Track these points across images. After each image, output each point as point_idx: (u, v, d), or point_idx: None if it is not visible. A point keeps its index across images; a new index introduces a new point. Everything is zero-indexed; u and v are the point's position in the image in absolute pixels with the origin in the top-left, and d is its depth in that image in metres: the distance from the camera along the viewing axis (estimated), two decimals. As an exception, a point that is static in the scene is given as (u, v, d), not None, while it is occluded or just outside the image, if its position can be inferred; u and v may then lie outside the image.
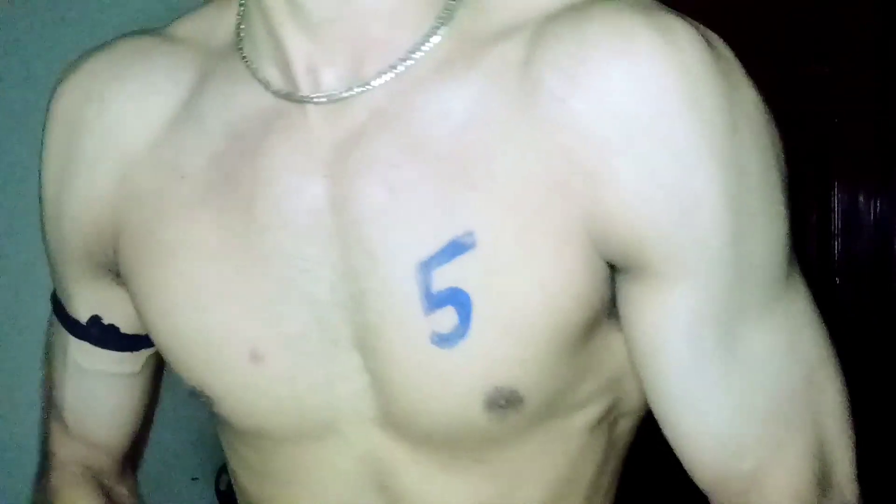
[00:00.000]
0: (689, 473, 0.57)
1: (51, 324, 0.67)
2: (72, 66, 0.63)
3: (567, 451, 0.59)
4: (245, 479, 0.64)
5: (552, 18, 0.52)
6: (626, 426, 0.61)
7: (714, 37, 0.52)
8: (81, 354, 0.65)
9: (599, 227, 0.52)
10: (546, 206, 0.52)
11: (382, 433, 0.57)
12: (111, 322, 0.64)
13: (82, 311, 0.64)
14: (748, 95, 0.52)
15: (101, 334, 0.64)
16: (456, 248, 0.53)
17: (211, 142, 0.57)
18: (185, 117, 0.58)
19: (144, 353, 0.66)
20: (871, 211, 1.43)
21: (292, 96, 0.55)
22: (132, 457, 0.72)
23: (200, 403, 0.68)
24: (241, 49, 0.57)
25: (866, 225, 1.42)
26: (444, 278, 0.53)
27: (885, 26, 1.38)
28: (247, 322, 0.56)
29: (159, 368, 0.68)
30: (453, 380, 0.54)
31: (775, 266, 0.53)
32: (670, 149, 0.50)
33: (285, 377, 0.56)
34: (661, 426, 0.56)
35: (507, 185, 0.52)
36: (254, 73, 0.56)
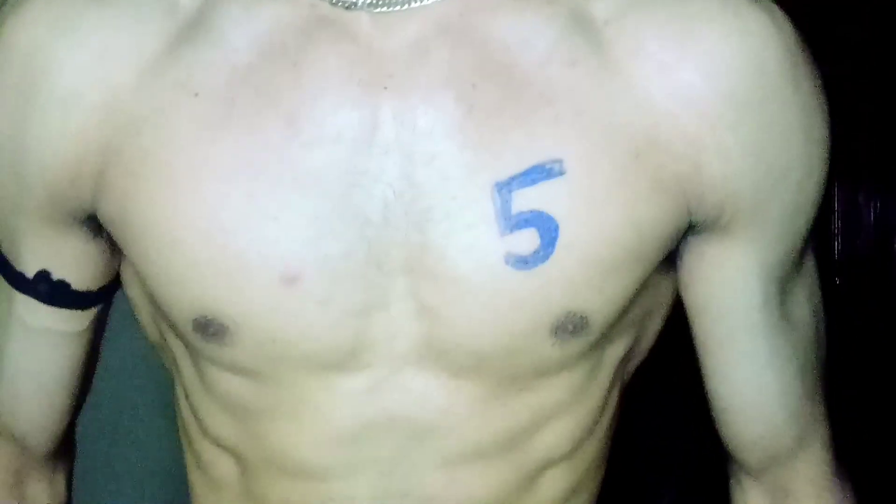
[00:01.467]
0: (733, 449, 0.61)
1: None
2: None
3: (599, 388, 0.60)
4: (225, 424, 0.60)
5: None
6: (629, 371, 0.64)
7: None
8: (26, 311, 0.61)
9: (696, 188, 0.54)
10: (643, 154, 0.53)
11: (416, 366, 0.55)
12: (60, 277, 0.60)
13: (30, 266, 0.60)
14: (816, 72, 0.56)
15: (50, 290, 0.60)
16: (541, 173, 0.52)
17: (233, 56, 0.54)
18: (192, 35, 0.54)
19: (93, 311, 0.63)
20: (871, 211, 1.43)
21: (342, 2, 0.53)
22: (65, 465, 0.70)
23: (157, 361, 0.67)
24: None
25: (866, 225, 1.42)
26: (526, 200, 0.53)
27: (884, 26, 1.38)
28: (282, 242, 0.53)
29: (101, 327, 0.65)
30: (525, 302, 0.54)
31: (811, 231, 0.58)
32: (775, 126, 0.54)
33: (319, 301, 0.54)
34: (713, 393, 0.60)
35: (597, 124, 0.53)
36: None
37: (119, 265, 0.62)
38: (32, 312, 0.61)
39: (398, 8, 0.52)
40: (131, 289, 0.63)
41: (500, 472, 0.59)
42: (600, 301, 0.55)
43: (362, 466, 0.58)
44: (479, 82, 0.53)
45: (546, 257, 0.53)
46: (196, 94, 0.53)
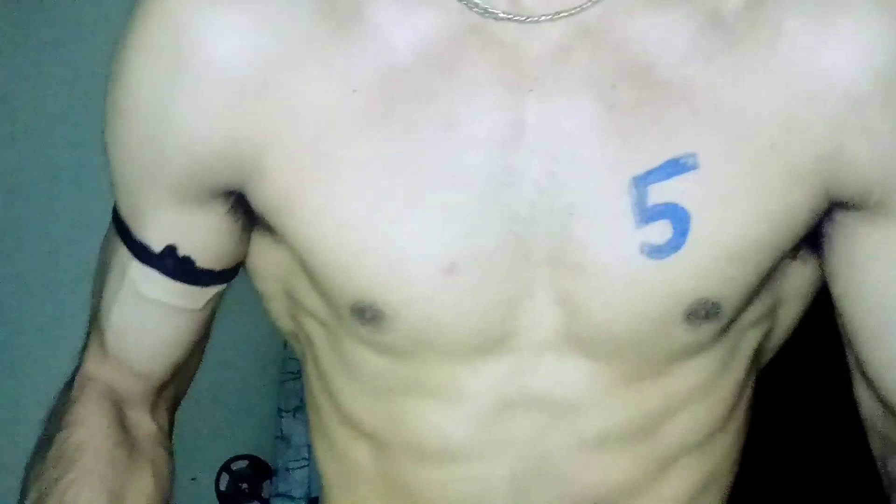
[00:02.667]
0: (892, 404, 0.61)
1: (108, 240, 0.63)
2: None
3: (732, 378, 0.61)
4: (365, 404, 0.62)
5: None
6: (762, 363, 0.65)
7: None
8: (144, 280, 0.61)
9: (839, 170, 0.54)
10: (779, 144, 0.54)
11: (556, 349, 0.57)
12: (187, 254, 0.60)
13: (156, 238, 0.60)
14: None
15: (176, 265, 0.60)
16: (675, 167, 0.54)
17: (390, 56, 0.55)
18: (348, 27, 0.55)
19: (211, 290, 0.62)
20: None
21: (490, 13, 0.54)
22: (171, 394, 0.68)
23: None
24: None
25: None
26: (660, 194, 0.54)
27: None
28: (440, 235, 0.55)
29: (213, 311, 0.65)
30: (658, 289, 0.55)
31: None
32: None
33: (474, 290, 0.56)
34: (867, 369, 0.60)
35: (733, 118, 0.54)
36: None
37: (246, 253, 0.63)
38: (149, 282, 0.61)
39: (543, 18, 0.53)
40: (265, 281, 0.64)
41: (634, 456, 0.60)
42: (731, 288, 0.56)
43: (501, 447, 0.59)
44: (619, 82, 0.54)
45: (678, 247, 0.54)
46: (355, 91, 0.55)
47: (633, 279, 0.55)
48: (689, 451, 0.61)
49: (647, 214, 0.54)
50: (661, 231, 0.55)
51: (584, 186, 0.55)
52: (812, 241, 0.58)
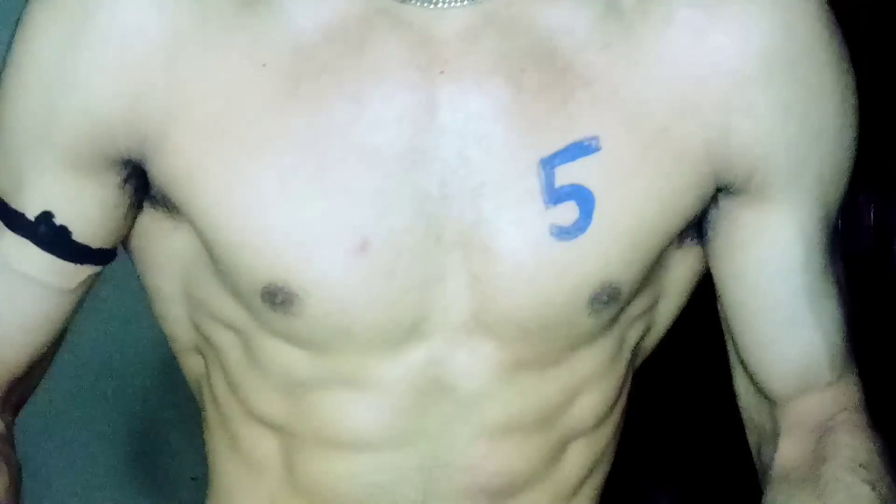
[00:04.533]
0: (766, 388, 0.63)
1: None
2: None
3: (622, 364, 0.63)
4: (271, 398, 0.61)
5: None
6: (642, 354, 0.67)
7: None
8: (14, 252, 0.59)
9: (725, 152, 0.56)
10: (670, 127, 0.56)
11: (466, 336, 0.58)
12: (63, 223, 0.58)
13: (31, 205, 0.58)
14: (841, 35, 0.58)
15: (50, 234, 0.58)
16: (580, 149, 0.56)
17: (298, 35, 0.56)
18: (256, 8, 0.55)
19: (84, 271, 0.60)
20: (871, 211, 1.43)
21: None
22: (16, 398, 0.65)
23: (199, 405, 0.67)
24: None
25: (866, 225, 1.42)
26: (567, 175, 0.56)
27: (883, 26, 1.38)
28: (350, 214, 0.56)
29: (81, 299, 0.63)
30: (567, 272, 0.57)
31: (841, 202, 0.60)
32: (807, 83, 0.56)
33: (385, 272, 0.56)
34: (744, 354, 0.62)
35: (630, 103, 0.56)
36: None
37: (127, 234, 0.61)
38: (20, 254, 0.59)
39: (452, 4, 0.55)
40: (163, 278, 0.62)
41: (534, 443, 0.62)
42: (629, 272, 0.58)
43: (412, 437, 0.60)
44: (527, 66, 0.56)
45: (584, 228, 0.56)
46: (263, 65, 0.55)
47: (541, 264, 0.57)
48: (583, 434, 0.64)
49: (555, 195, 0.56)
50: (568, 212, 0.56)
51: (493, 167, 0.56)
52: (696, 229, 0.60)
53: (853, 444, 0.60)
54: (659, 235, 0.58)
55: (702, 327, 0.67)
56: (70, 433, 1.29)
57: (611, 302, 0.58)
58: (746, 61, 0.55)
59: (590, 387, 0.63)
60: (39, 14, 0.56)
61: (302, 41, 0.55)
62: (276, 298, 0.57)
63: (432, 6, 0.55)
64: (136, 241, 0.63)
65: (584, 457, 0.65)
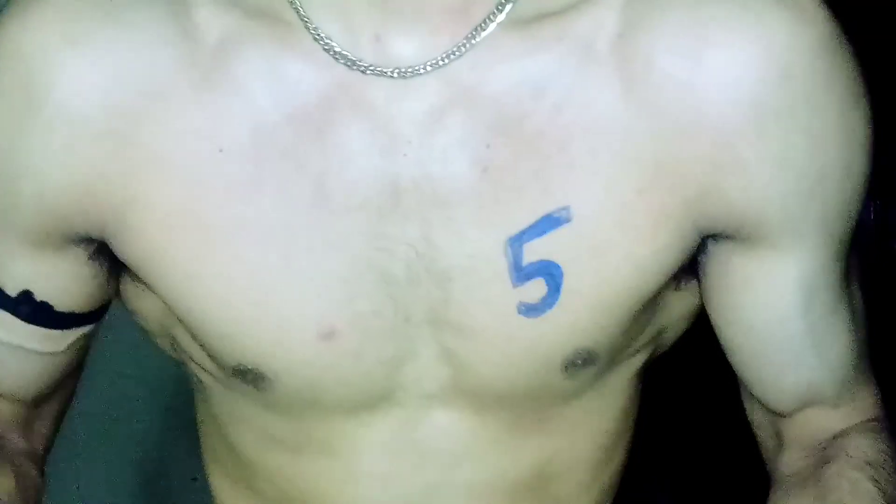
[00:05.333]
0: (770, 406, 0.61)
1: None
2: None
3: (617, 403, 0.62)
4: (261, 451, 0.62)
5: None
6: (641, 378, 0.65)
7: None
8: (1, 324, 0.60)
9: (710, 207, 0.53)
10: (649, 186, 0.53)
11: (442, 403, 0.58)
12: (44, 299, 0.59)
13: (10, 283, 0.58)
14: (853, 62, 0.53)
15: (32, 311, 0.59)
16: (549, 223, 0.54)
17: (257, 115, 0.53)
18: (212, 82, 0.53)
19: (73, 333, 0.61)
20: (871, 211, 1.42)
21: (357, 65, 0.52)
22: (51, 409, 0.66)
23: (181, 386, 0.66)
24: (292, 3, 0.53)
25: (866, 225, 1.42)
26: (535, 251, 0.54)
27: (883, 26, 1.38)
28: (317, 301, 0.55)
29: (85, 348, 0.64)
30: (537, 346, 0.56)
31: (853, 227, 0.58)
32: (807, 130, 0.51)
33: (353, 353, 0.56)
34: (744, 377, 0.61)
35: (609, 164, 0.53)
36: (309, 29, 0.52)
37: (112, 294, 0.62)
38: (7, 328, 0.60)
39: (417, 71, 0.52)
40: (145, 321, 0.63)
41: (527, 499, 0.61)
42: (605, 335, 0.57)
43: (394, 501, 0.60)
44: (493, 140, 0.53)
45: (552, 304, 0.55)
46: (221, 150, 0.53)
47: (511, 339, 0.56)
48: (577, 485, 0.63)
49: (523, 274, 0.55)
50: (535, 289, 0.55)
51: (459, 251, 0.55)
52: (690, 268, 0.58)
53: (861, 444, 0.59)
54: (636, 298, 0.56)
55: (705, 329, 0.66)
56: (70, 433, 1.29)
57: (587, 364, 0.57)
58: (735, 114, 0.51)
59: (579, 438, 0.62)
60: None
61: (262, 122, 0.53)
62: (248, 377, 0.57)
63: (392, 72, 0.53)
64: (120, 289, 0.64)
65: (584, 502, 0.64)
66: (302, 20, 0.53)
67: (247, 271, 0.55)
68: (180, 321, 0.59)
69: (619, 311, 0.56)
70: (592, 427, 0.62)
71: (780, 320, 0.57)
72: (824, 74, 0.51)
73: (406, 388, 0.58)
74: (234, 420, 0.64)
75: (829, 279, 0.57)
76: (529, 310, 0.55)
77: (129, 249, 0.56)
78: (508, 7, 0.52)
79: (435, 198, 0.54)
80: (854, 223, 0.57)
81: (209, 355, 0.59)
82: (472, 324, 0.56)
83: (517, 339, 0.56)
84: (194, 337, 0.59)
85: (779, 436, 0.64)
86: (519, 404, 0.59)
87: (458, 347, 0.56)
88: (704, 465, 1.19)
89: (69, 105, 0.53)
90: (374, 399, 0.58)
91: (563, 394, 0.59)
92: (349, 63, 0.53)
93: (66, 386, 0.68)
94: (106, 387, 1.29)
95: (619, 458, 0.66)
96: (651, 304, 0.58)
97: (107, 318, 0.68)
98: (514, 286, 0.55)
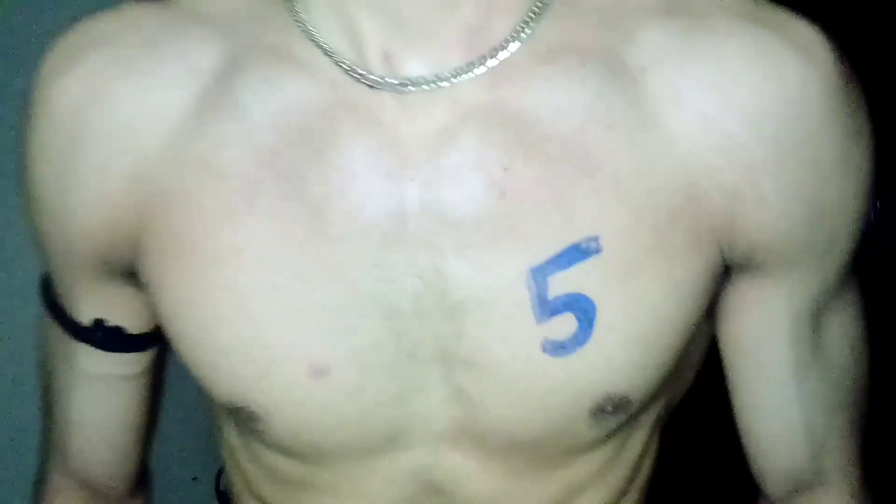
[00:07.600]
0: (758, 476, 0.60)
1: (47, 337, 0.64)
2: (66, 56, 0.56)
3: (635, 448, 0.60)
4: (269, 489, 0.60)
5: (659, 18, 0.50)
6: (662, 420, 0.63)
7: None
8: (87, 359, 0.62)
9: (731, 236, 0.52)
10: (681, 214, 0.51)
11: (452, 445, 0.54)
12: (116, 324, 0.61)
13: (84, 314, 0.61)
14: (860, 96, 0.53)
15: (106, 337, 0.61)
16: (577, 254, 0.50)
17: (256, 136, 0.52)
18: (214, 108, 0.52)
19: (150, 352, 0.63)
20: (871, 211, 1.43)
21: (365, 79, 0.50)
22: (137, 492, 0.70)
23: (202, 405, 0.67)
24: (296, 18, 0.51)
25: (866, 225, 1.42)
26: (562, 284, 0.50)
27: (883, 26, 1.38)
28: (308, 335, 0.52)
29: (162, 364, 0.66)
30: (562, 388, 0.52)
31: (850, 257, 0.56)
32: (815, 167, 0.52)
33: (350, 392, 0.53)
34: (742, 424, 0.59)
35: (636, 191, 0.50)
36: (317, 44, 0.50)
37: None
38: (92, 360, 0.62)
39: (425, 87, 0.49)
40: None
41: None
42: (642, 377, 0.53)
43: None
44: (512, 163, 0.50)
45: (584, 340, 0.51)
46: (221, 175, 0.52)
47: (534, 379, 0.52)
48: None
49: (549, 308, 0.51)
50: (564, 325, 0.51)
51: (474, 281, 0.51)
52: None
53: None
54: (677, 330, 0.53)
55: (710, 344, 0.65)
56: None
57: (617, 411, 0.53)
58: (759, 149, 0.51)
59: (595, 482, 0.59)
60: (33, 150, 0.57)
61: (261, 142, 0.52)
62: (241, 414, 0.55)
63: (398, 84, 0.50)
64: None
65: None
66: (308, 36, 0.52)
67: (234, 300, 0.52)
68: (181, 354, 0.58)
69: (658, 348, 0.53)
70: (608, 473, 0.60)
71: (771, 345, 0.57)
72: (833, 113, 0.52)
73: (413, 428, 0.55)
74: (246, 456, 0.63)
75: (819, 311, 0.57)
76: (557, 348, 0.51)
77: (144, 275, 0.57)
78: (529, 31, 0.51)
79: (446, 224, 0.50)
80: (848, 258, 0.57)
81: (207, 391, 0.58)
82: (488, 361, 0.52)
83: (539, 379, 0.52)
84: (192, 370, 0.58)
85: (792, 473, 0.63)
86: (535, 449, 0.56)
87: (471, 386, 0.53)
88: (704, 465, 1.19)
89: (94, 154, 0.55)
90: (378, 441, 0.55)
91: (584, 442, 0.56)
92: (356, 77, 0.51)
93: (147, 439, 0.69)
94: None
95: (636, 497, 0.64)
96: (690, 340, 0.56)
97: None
98: (539, 321, 0.51)
